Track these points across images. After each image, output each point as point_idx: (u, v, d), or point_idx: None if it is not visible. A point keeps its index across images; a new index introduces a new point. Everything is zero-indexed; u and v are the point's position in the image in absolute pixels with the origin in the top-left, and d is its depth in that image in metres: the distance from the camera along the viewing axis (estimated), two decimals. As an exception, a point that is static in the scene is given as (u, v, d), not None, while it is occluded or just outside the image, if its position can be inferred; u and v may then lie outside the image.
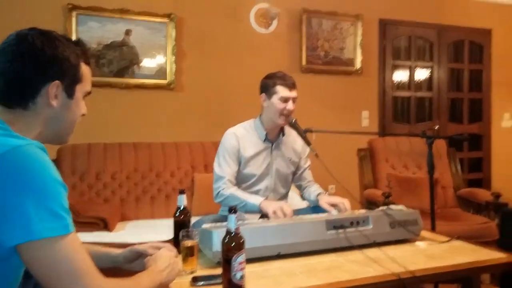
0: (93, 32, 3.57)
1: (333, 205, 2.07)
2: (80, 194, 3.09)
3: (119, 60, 3.65)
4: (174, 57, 3.79)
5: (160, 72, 3.78)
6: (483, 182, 5.09)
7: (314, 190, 2.29)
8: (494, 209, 3.13)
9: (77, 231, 0.98)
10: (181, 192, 1.71)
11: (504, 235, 2.64)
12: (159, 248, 1.38)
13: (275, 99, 2.16)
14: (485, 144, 5.16)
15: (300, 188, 2.42)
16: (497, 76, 5.16)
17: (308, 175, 2.40)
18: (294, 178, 2.39)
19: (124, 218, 3.09)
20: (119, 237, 2.61)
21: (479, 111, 5.15)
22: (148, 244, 1.43)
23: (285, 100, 2.15)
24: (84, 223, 2.69)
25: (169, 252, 1.35)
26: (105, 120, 3.60)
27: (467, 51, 5.07)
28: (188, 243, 1.44)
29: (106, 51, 3.61)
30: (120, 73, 3.66)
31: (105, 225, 2.75)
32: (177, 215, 1.70)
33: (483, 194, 3.45)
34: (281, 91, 2.15)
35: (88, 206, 2.92)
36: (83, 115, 1.17)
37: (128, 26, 3.67)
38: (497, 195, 3.10)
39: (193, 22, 3.91)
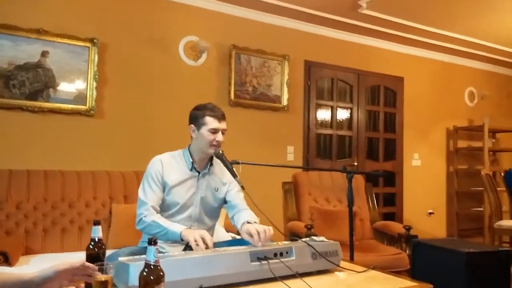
0: (5, 51, 3.32)
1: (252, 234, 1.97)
2: (-23, 225, 2.76)
3: (32, 82, 3.42)
4: (95, 83, 3.63)
5: (79, 97, 3.59)
6: (396, 215, 5.43)
7: (243, 217, 2.12)
8: (405, 241, 3.32)
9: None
10: (96, 223, 1.59)
11: (415, 265, 2.79)
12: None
13: (204, 130, 2.14)
14: (398, 180, 5.55)
15: (231, 214, 2.25)
16: (408, 120, 5.63)
17: (238, 199, 2.25)
18: (225, 205, 2.30)
19: (29, 251, 2.79)
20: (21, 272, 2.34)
21: (393, 150, 5.55)
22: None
23: (214, 131, 2.13)
24: (-19, 257, 2.40)
25: None
26: (14, 145, 3.33)
27: (383, 95, 5.49)
28: (101, 277, 1.31)
29: (18, 72, 3.37)
30: (33, 96, 3.42)
31: (6, 259, 2.47)
32: (90, 247, 1.56)
33: (396, 227, 3.64)
34: (210, 122, 2.13)
35: (-14, 239, 2.62)
36: None
37: (46, 48, 3.47)
38: (408, 228, 3.29)
39: (118, 48, 3.80)
